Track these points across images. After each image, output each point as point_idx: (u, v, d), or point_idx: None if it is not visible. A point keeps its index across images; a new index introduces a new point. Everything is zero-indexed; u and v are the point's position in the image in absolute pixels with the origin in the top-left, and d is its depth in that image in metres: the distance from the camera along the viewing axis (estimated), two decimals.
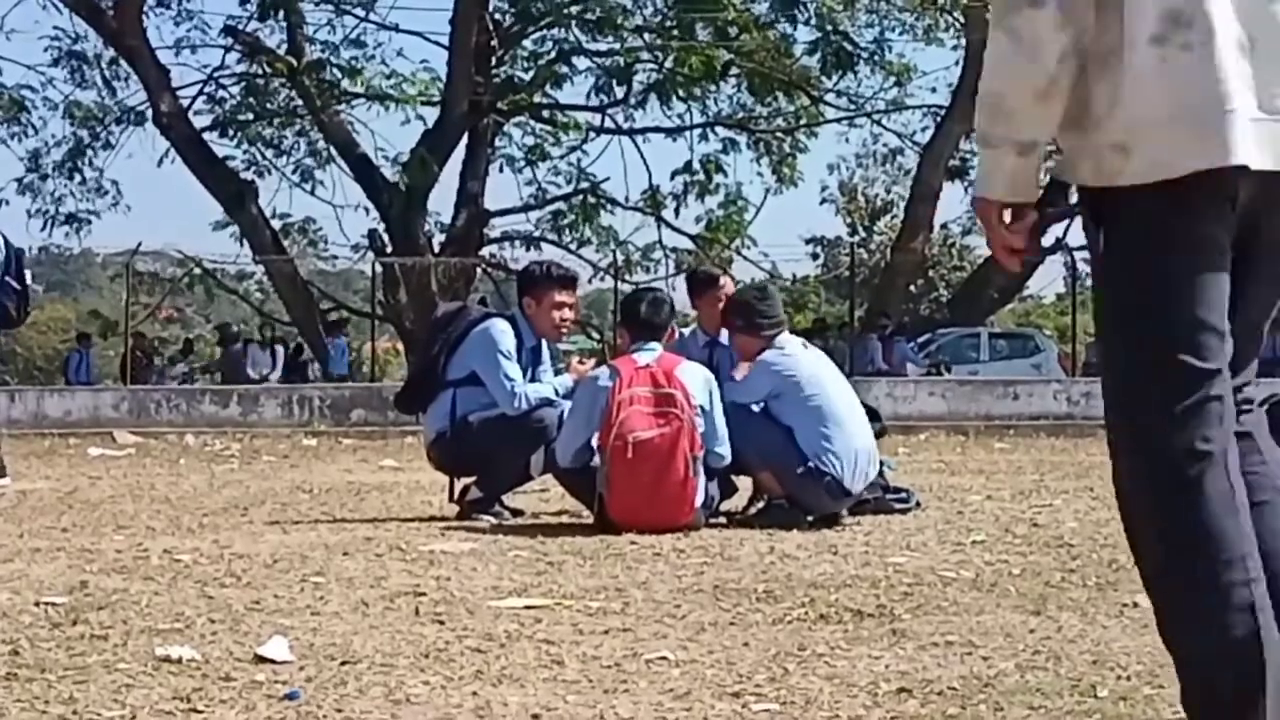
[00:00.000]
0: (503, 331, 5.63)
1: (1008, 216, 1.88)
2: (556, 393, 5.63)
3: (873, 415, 5.74)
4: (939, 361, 21.59)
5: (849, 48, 21.55)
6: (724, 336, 5.97)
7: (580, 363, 6.34)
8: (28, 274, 7.87)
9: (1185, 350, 1.75)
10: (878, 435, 5.70)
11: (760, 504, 5.51)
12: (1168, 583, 1.79)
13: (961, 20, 22.01)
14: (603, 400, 5.08)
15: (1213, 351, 1.77)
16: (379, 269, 21.30)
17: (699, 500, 5.10)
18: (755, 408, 5.36)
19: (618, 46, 22.15)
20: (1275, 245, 1.82)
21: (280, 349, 21.86)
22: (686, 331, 6.46)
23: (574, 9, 21.59)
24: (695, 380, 5.19)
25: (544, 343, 5.83)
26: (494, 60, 21.38)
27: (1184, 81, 1.71)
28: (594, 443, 5.15)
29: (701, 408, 5.14)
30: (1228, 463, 1.75)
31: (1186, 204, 1.74)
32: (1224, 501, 1.72)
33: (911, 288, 28.54)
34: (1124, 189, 1.76)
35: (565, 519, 5.58)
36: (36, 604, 3.52)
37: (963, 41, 23.01)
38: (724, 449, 5.22)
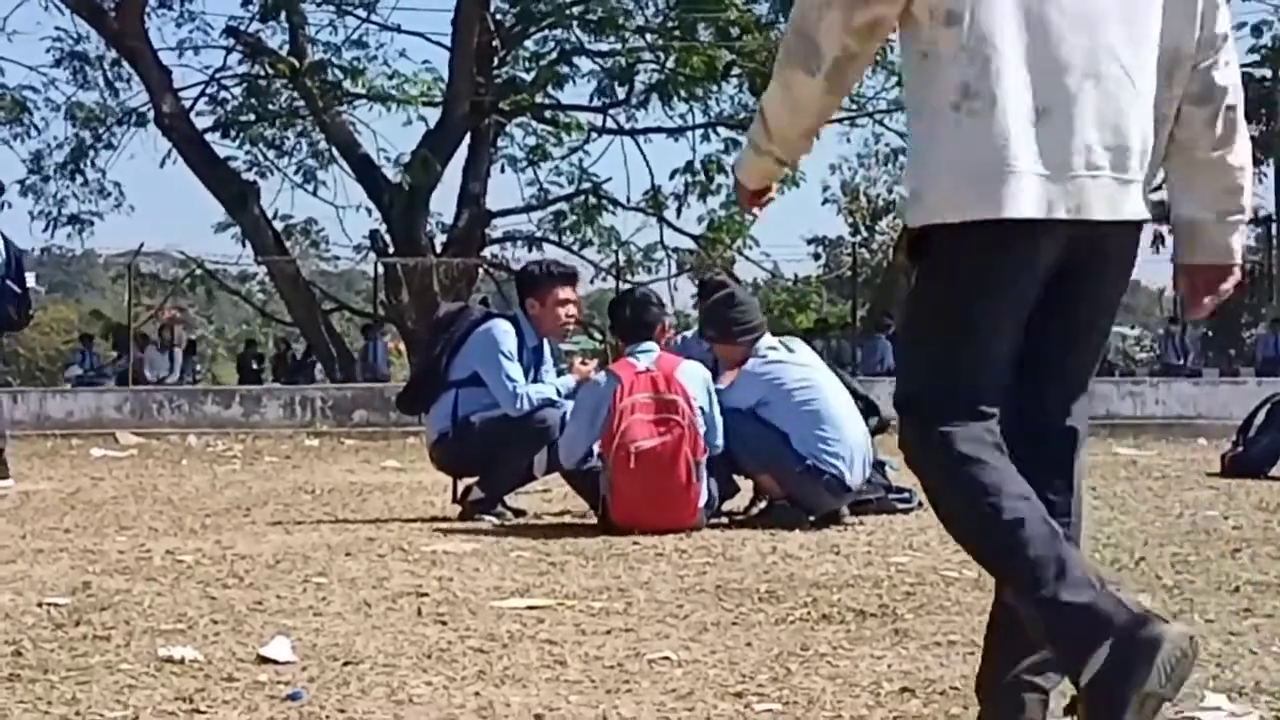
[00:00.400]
0: (505, 332, 5.63)
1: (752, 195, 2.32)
2: (559, 393, 5.63)
3: (871, 410, 5.73)
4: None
5: None
6: None
7: (583, 363, 6.34)
8: (29, 276, 7.88)
9: (971, 365, 2.05)
10: (877, 430, 5.69)
11: (762, 504, 5.51)
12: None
13: None
14: (605, 406, 5.08)
15: (990, 376, 2.06)
16: (381, 269, 21.30)
17: (701, 502, 5.10)
18: (748, 414, 5.35)
19: (619, 47, 22.14)
20: (1087, 287, 2.10)
21: (179, 352, 21.75)
22: (690, 335, 6.45)
23: (576, 9, 21.58)
24: (695, 381, 5.20)
25: (546, 343, 5.83)
26: (496, 61, 21.37)
27: (970, 143, 1.98)
28: (596, 449, 5.16)
29: (701, 408, 5.15)
30: (1009, 474, 2.01)
31: (984, 247, 1.99)
32: (1028, 514, 1.97)
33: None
34: (938, 228, 2.02)
35: (567, 519, 5.58)
36: (39, 605, 3.52)
37: None
38: (719, 439, 5.25)
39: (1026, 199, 1.97)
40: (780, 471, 5.24)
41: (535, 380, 5.66)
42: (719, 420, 5.24)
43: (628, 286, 15.75)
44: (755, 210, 2.37)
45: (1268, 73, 25.34)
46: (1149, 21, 2.06)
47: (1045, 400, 2.13)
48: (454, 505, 5.72)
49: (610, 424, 5.04)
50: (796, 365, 5.41)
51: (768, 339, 5.51)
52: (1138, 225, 2.11)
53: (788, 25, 2.16)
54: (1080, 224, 2.01)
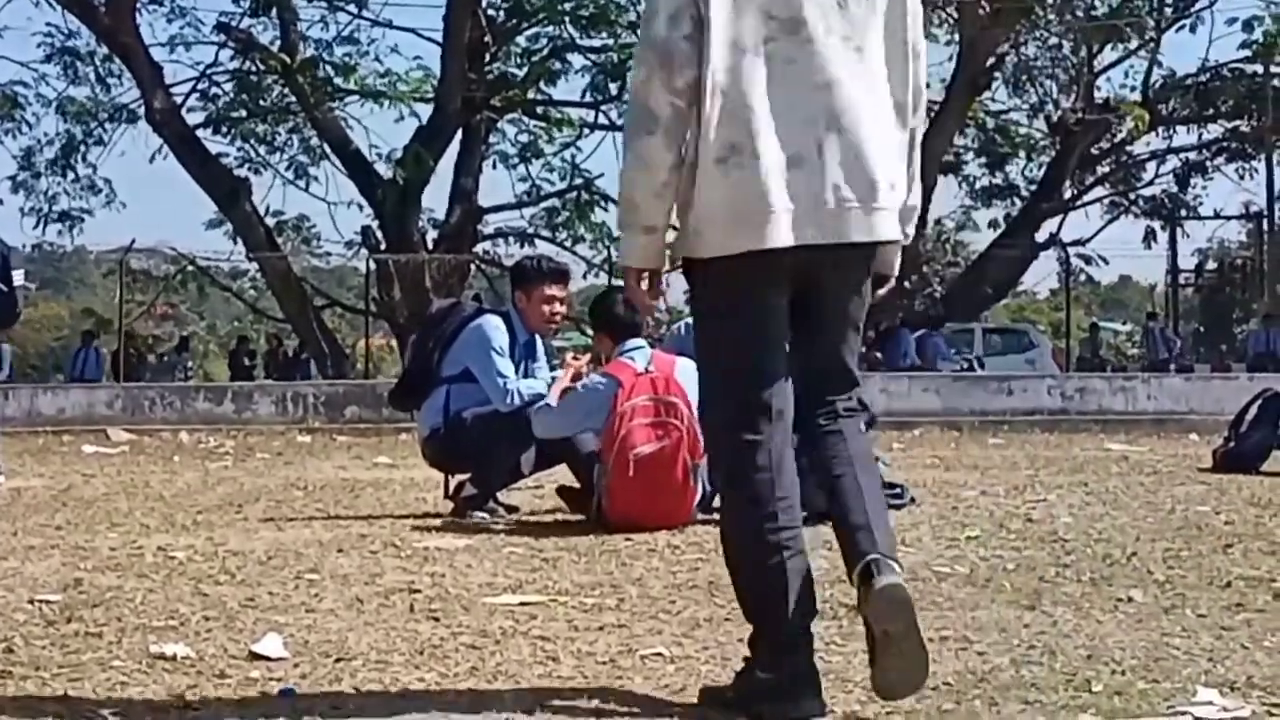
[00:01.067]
0: (495, 328, 5.63)
1: (645, 281, 2.58)
2: (549, 388, 5.63)
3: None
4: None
5: None
6: None
7: (574, 358, 6.34)
8: (18, 274, 7.85)
9: (744, 375, 2.53)
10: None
11: None
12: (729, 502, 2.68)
13: (955, 16, 22.03)
14: (604, 409, 5.10)
15: (765, 375, 2.53)
16: (373, 265, 21.28)
17: (695, 500, 5.12)
18: None
19: (611, 43, 22.12)
20: (830, 292, 2.57)
21: (6, 347, 21.65)
22: (684, 327, 6.38)
23: (567, 5, 21.57)
24: (692, 380, 5.20)
25: (538, 338, 5.83)
26: (487, 57, 21.35)
27: (735, 191, 2.45)
28: (592, 444, 5.18)
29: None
30: (772, 447, 2.53)
31: (748, 273, 2.48)
32: (764, 471, 2.56)
33: (906, 283, 28.53)
34: (707, 259, 2.50)
35: (560, 516, 5.58)
36: (31, 602, 3.52)
37: (956, 37, 23.04)
38: None
39: (784, 232, 2.45)
40: None
41: (526, 375, 5.66)
42: None
43: (613, 284, 15.71)
44: (654, 302, 2.65)
45: (1258, 69, 25.34)
46: (879, 79, 2.54)
47: (819, 388, 2.63)
48: (446, 502, 5.71)
49: (611, 428, 5.06)
50: None
51: None
52: (889, 243, 2.60)
53: (628, 103, 2.62)
54: (838, 247, 2.50)
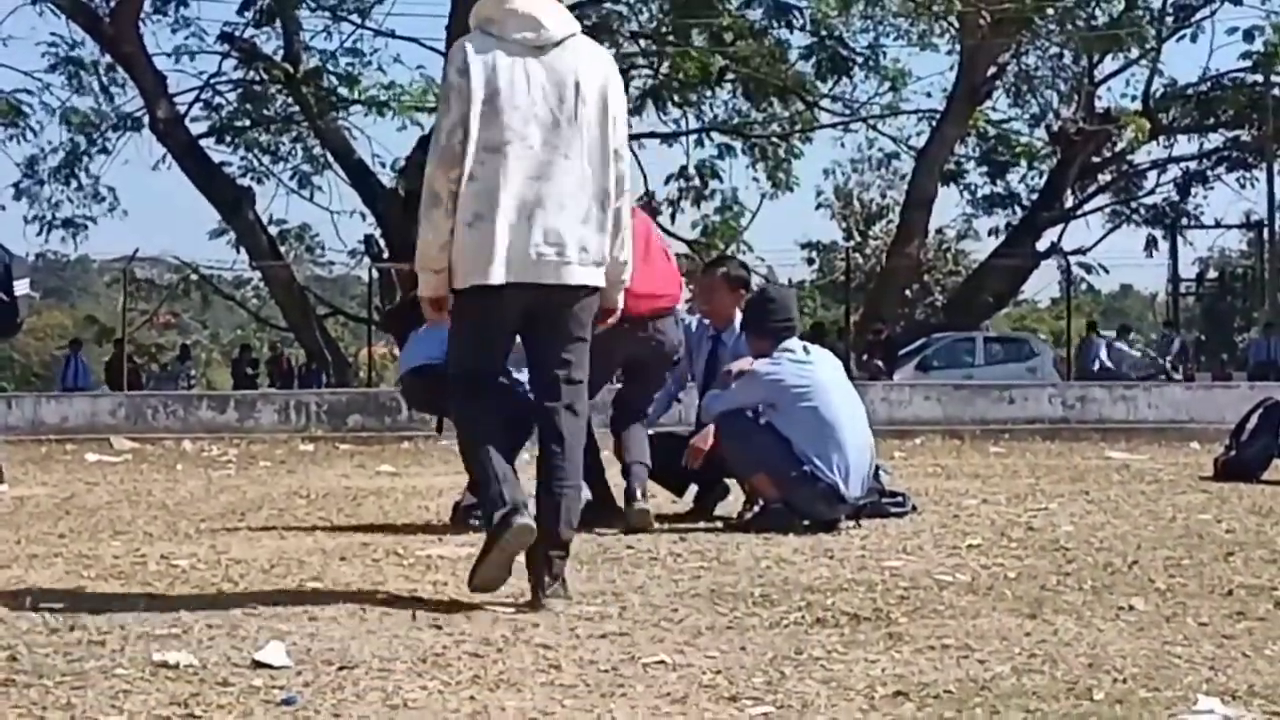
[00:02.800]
0: None
1: (438, 304, 3.80)
2: None
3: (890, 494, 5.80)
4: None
5: (844, 53, 21.59)
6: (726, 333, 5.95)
7: None
8: (23, 283, 7.83)
9: (479, 360, 3.82)
10: (908, 509, 5.73)
11: (755, 509, 5.51)
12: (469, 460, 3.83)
13: (956, 26, 22.05)
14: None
15: (484, 365, 3.83)
16: (375, 274, 21.30)
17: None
18: (751, 414, 5.37)
19: (614, 52, 22.15)
20: (545, 320, 3.75)
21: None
22: (693, 321, 6.32)
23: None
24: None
25: None
26: None
27: (480, 243, 3.65)
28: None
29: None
30: (480, 404, 3.80)
31: (482, 300, 3.70)
32: (487, 440, 3.74)
33: (907, 292, 28.56)
34: (461, 289, 3.71)
35: None
36: (34, 609, 3.52)
37: (957, 47, 23.06)
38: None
39: (500, 273, 3.65)
40: (777, 474, 5.25)
41: None
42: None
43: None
44: (439, 315, 3.81)
45: (1259, 78, 25.36)
46: (579, 176, 3.71)
47: (543, 394, 3.80)
48: (449, 510, 5.70)
49: None
50: (801, 367, 5.39)
51: (791, 342, 5.51)
52: (581, 286, 3.74)
53: (423, 187, 3.76)
54: (539, 286, 3.69)
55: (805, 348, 5.53)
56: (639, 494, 5.27)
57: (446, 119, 3.70)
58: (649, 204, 22.97)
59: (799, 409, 5.27)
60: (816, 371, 5.41)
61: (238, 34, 22.08)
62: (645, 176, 28.56)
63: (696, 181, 22.76)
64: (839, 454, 5.24)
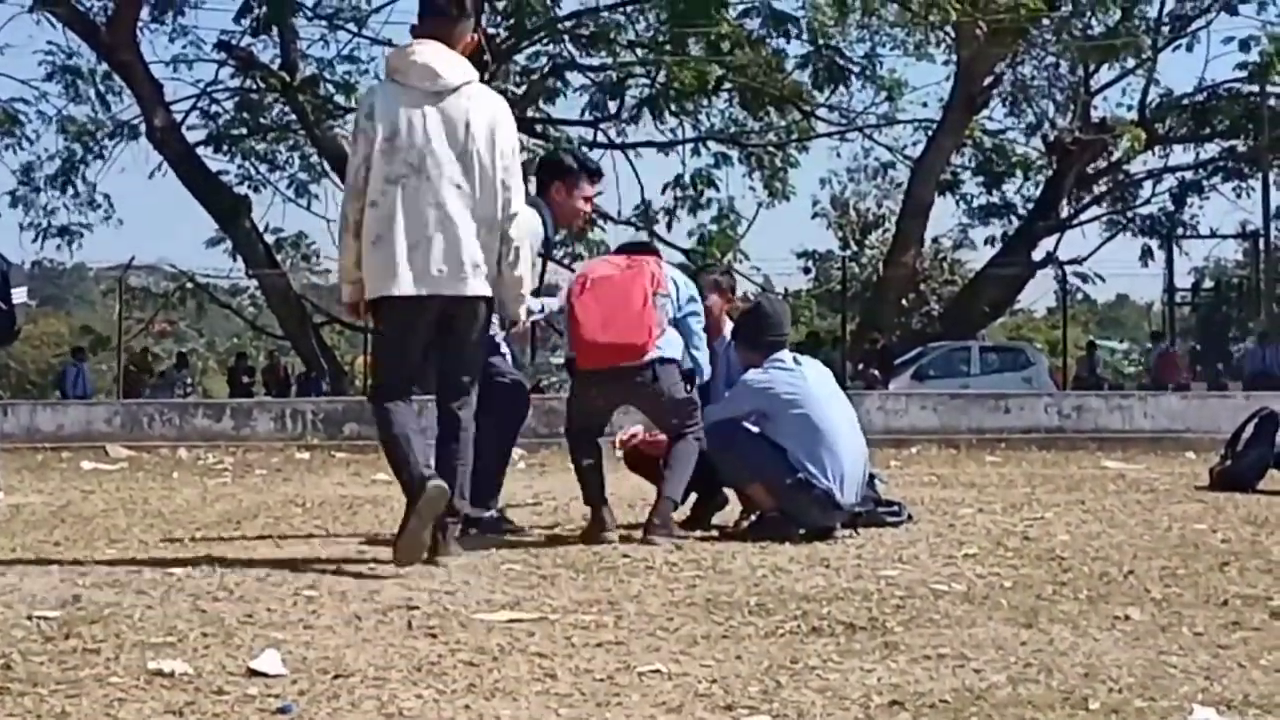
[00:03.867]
0: (535, 222, 5.34)
1: (356, 310, 4.60)
2: (542, 310, 5.65)
3: (886, 503, 5.82)
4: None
5: (840, 63, 21.62)
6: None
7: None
8: (20, 292, 7.84)
9: (395, 370, 4.56)
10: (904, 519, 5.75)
11: (751, 518, 5.51)
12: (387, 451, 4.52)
13: (952, 36, 22.10)
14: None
15: (398, 370, 4.54)
16: None
17: (660, 341, 5.20)
18: (744, 424, 5.37)
19: (611, 61, 22.20)
20: (447, 329, 4.47)
21: None
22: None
23: (567, 24, 21.65)
24: (672, 271, 5.48)
25: (552, 243, 5.82)
26: (487, 75, 21.40)
27: (382, 260, 4.37)
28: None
29: (675, 283, 5.36)
30: (398, 406, 4.47)
31: (388, 308, 4.44)
32: (403, 432, 4.40)
33: (903, 301, 28.56)
34: (371, 300, 4.44)
35: (558, 531, 5.58)
36: (29, 618, 3.52)
37: (953, 57, 23.11)
38: (700, 352, 5.46)
39: (406, 286, 4.38)
40: (772, 482, 5.25)
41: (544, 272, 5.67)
42: (699, 332, 5.46)
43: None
44: (356, 318, 4.66)
45: (1254, 88, 25.41)
46: (471, 204, 4.40)
47: (443, 394, 4.55)
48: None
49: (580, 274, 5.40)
50: (791, 376, 5.40)
51: (784, 353, 5.53)
52: (476, 298, 4.44)
53: (338, 214, 4.59)
54: (438, 298, 4.40)
55: (795, 358, 5.56)
56: (655, 522, 5.19)
57: (355, 158, 4.48)
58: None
59: (790, 416, 5.28)
60: (806, 380, 5.41)
61: (235, 43, 22.10)
62: (642, 185, 28.71)
63: (693, 190, 22.78)
64: (833, 461, 5.25)
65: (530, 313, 5.37)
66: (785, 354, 5.54)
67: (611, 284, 5.22)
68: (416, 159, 4.36)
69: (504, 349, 5.72)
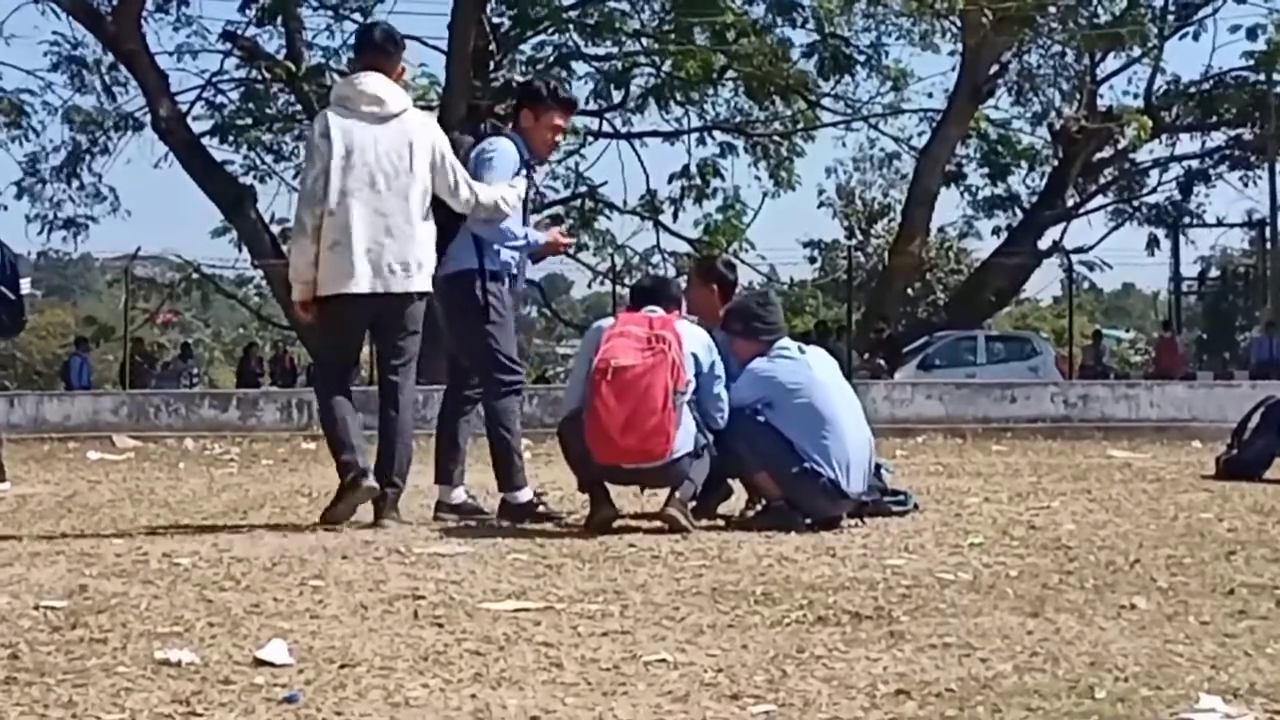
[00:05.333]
0: (510, 151, 5.51)
1: (306, 309, 5.31)
2: (527, 239, 5.62)
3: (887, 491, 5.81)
4: None
5: (846, 52, 21.57)
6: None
7: (563, 234, 6.36)
8: (25, 282, 7.86)
9: (333, 359, 5.48)
10: (908, 508, 5.74)
11: (758, 507, 5.51)
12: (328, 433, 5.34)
13: (958, 25, 22.04)
14: (601, 343, 5.17)
15: (338, 361, 5.45)
16: None
17: (678, 440, 5.06)
18: (750, 413, 5.36)
19: (616, 50, 22.16)
20: (390, 319, 5.25)
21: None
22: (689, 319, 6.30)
23: (572, 13, 21.60)
24: (693, 333, 5.30)
25: (533, 169, 5.76)
26: (492, 64, 21.39)
27: (339, 262, 5.11)
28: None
29: (695, 357, 5.18)
30: (336, 397, 5.30)
31: (341, 304, 5.17)
32: (342, 417, 5.24)
33: (909, 291, 28.55)
34: (324, 297, 5.18)
35: (566, 519, 5.58)
36: (36, 608, 3.52)
37: (959, 47, 23.05)
38: (720, 414, 5.30)
39: (359, 285, 5.11)
40: (778, 471, 5.25)
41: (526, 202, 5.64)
42: (720, 389, 5.29)
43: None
44: (306, 315, 5.31)
45: (1261, 76, 25.33)
46: (415, 213, 5.17)
47: (385, 372, 5.28)
48: (443, 514, 5.63)
49: (598, 347, 5.15)
50: (795, 365, 5.40)
51: (785, 341, 5.52)
52: (419, 293, 5.23)
53: (294, 218, 5.50)
54: (385, 294, 5.14)
55: (799, 347, 5.55)
56: (676, 496, 5.17)
57: (311, 170, 5.17)
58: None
59: (795, 405, 5.28)
60: (811, 369, 5.41)
61: (240, 32, 22.07)
62: (647, 175, 28.70)
63: (698, 180, 22.75)
64: (838, 449, 5.24)
65: (527, 242, 5.63)
66: (789, 342, 5.54)
67: (633, 381, 5.02)
68: (367, 175, 5.12)
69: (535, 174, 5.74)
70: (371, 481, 5.09)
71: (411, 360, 5.28)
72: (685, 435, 5.13)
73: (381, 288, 5.11)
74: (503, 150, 5.57)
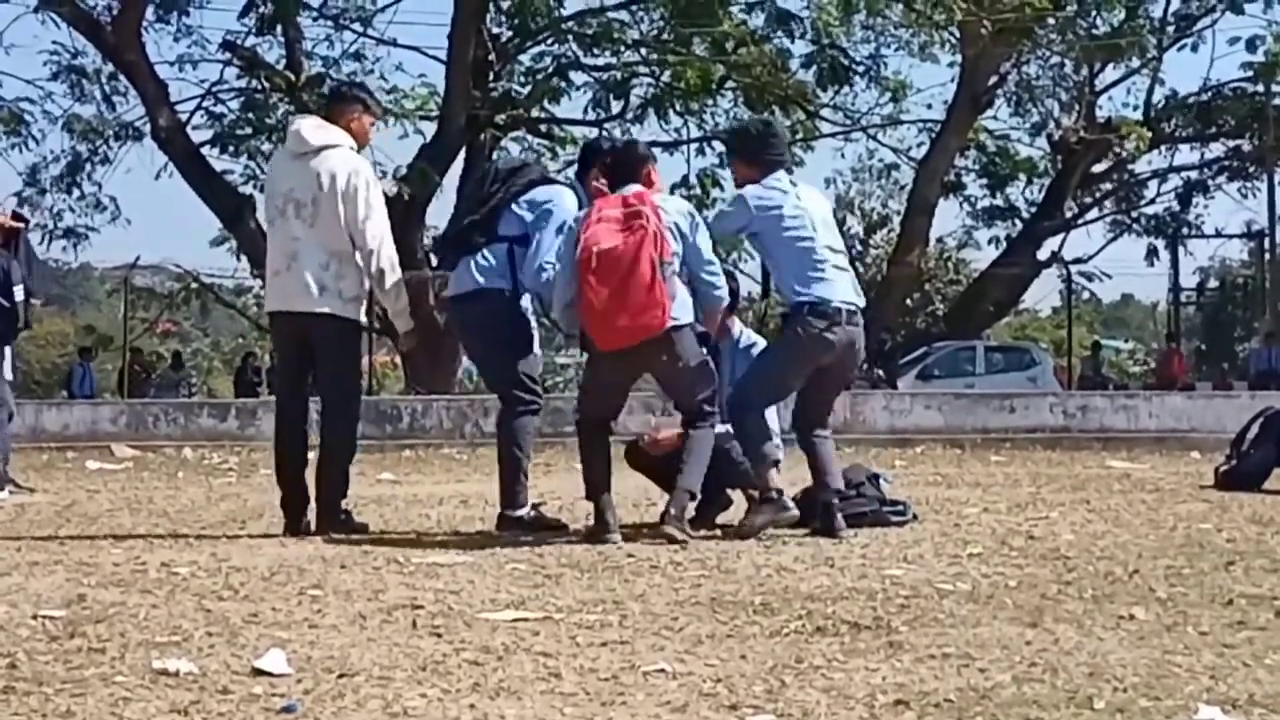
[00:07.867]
0: (573, 205, 5.49)
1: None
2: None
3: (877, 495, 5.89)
4: None
5: (845, 62, 21.60)
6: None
7: None
8: (17, 290, 7.86)
9: (279, 377, 6.48)
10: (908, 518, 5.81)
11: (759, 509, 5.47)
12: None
13: (957, 37, 22.08)
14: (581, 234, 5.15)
15: (286, 382, 5.99)
16: None
17: (674, 309, 5.09)
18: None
19: (615, 61, 22.18)
20: (315, 345, 5.67)
21: None
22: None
23: (571, 23, 21.64)
24: (672, 203, 5.39)
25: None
26: (491, 75, 21.41)
27: (281, 286, 5.68)
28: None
29: (677, 226, 5.21)
30: (288, 410, 5.93)
31: (272, 321, 5.93)
32: (283, 414, 5.93)
33: (908, 301, 28.55)
34: (272, 312, 5.86)
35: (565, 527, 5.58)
36: (34, 617, 3.52)
37: (958, 58, 23.08)
38: (715, 276, 5.37)
39: (273, 304, 5.77)
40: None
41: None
42: (707, 252, 5.34)
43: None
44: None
45: (1260, 88, 25.38)
46: (321, 240, 5.57)
47: (321, 394, 5.67)
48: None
49: (579, 235, 5.12)
50: (788, 199, 5.45)
51: (781, 174, 5.53)
52: (325, 314, 5.56)
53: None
54: (295, 314, 5.61)
55: (792, 180, 5.58)
56: (671, 512, 5.17)
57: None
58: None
59: (785, 239, 5.39)
60: (803, 202, 5.48)
61: (239, 42, 22.09)
62: None
63: (698, 190, 22.75)
64: (829, 275, 5.37)
65: (410, 333, 6.02)
66: (783, 175, 5.55)
67: (618, 259, 5.02)
68: (281, 204, 5.63)
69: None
70: (308, 518, 5.68)
71: (341, 388, 5.69)
72: (681, 306, 5.19)
73: (298, 307, 5.57)
74: (562, 203, 5.54)
